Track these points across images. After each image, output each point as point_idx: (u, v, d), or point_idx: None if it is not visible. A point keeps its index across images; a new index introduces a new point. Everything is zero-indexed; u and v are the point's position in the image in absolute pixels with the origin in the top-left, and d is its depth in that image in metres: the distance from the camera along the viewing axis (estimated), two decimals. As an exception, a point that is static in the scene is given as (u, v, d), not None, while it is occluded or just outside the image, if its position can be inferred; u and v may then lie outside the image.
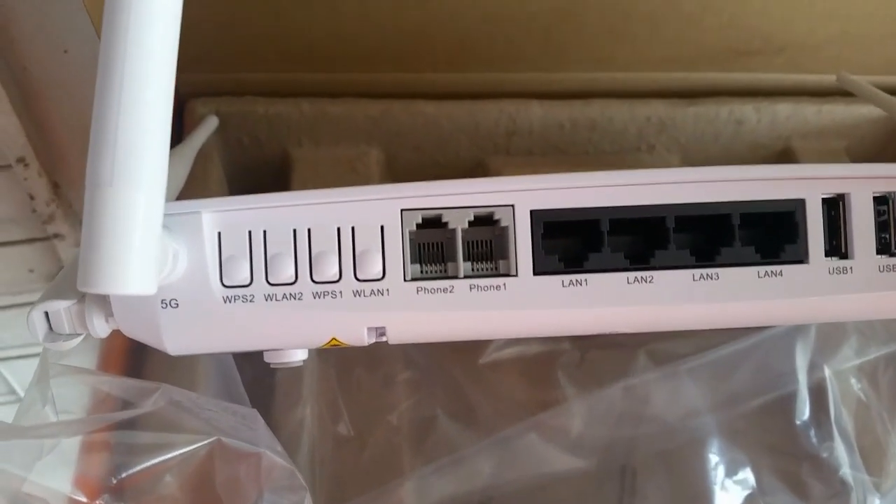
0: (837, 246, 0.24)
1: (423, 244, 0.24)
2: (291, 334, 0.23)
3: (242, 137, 0.46)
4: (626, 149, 0.49)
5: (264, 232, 0.23)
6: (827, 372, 0.40)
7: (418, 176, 0.48)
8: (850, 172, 0.24)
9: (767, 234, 0.24)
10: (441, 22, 0.44)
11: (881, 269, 0.24)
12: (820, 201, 0.24)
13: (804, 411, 0.40)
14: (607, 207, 0.24)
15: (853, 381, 0.41)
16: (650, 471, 0.41)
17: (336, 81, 0.46)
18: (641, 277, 0.24)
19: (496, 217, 0.23)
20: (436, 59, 0.46)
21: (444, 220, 0.23)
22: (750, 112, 0.48)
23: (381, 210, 0.23)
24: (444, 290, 0.23)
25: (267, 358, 0.26)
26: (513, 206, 0.24)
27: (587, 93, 0.48)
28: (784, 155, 0.49)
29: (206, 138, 0.42)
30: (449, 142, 0.47)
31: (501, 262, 0.24)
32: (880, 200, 0.24)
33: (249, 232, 0.23)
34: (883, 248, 0.24)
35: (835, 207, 0.24)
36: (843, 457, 0.39)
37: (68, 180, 0.42)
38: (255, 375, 0.40)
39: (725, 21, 0.45)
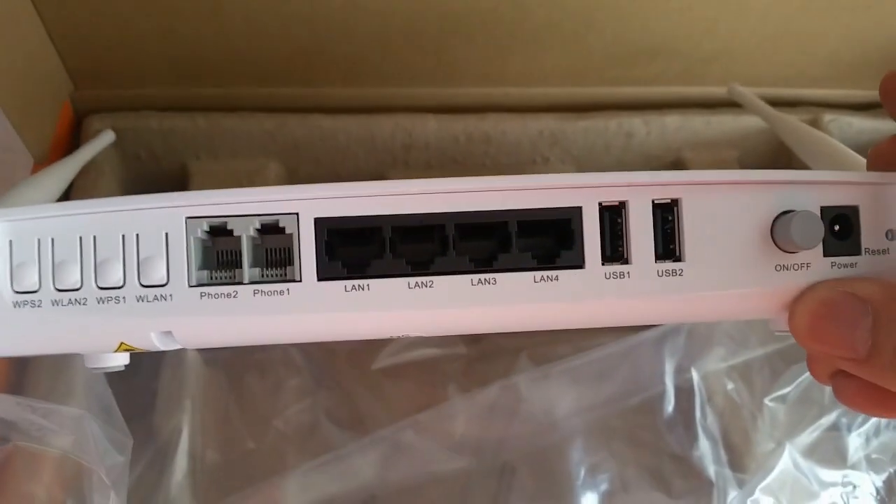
0: (620, 252, 0.24)
1: (221, 251, 0.24)
2: (79, 339, 0.24)
3: (139, 152, 0.46)
4: (523, 161, 0.49)
5: (52, 240, 0.23)
6: (694, 374, 0.40)
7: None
8: (629, 180, 0.24)
9: (546, 241, 0.24)
10: (331, 37, 0.44)
11: (660, 273, 0.24)
12: (597, 209, 0.24)
13: (670, 411, 0.40)
14: (390, 215, 0.24)
15: (726, 381, 0.41)
16: (527, 468, 0.41)
17: (231, 96, 0.47)
18: (422, 283, 0.24)
19: (281, 224, 0.24)
20: (330, 74, 0.47)
21: (230, 227, 0.24)
22: (639, 124, 0.48)
23: (165, 218, 0.23)
24: (228, 295, 0.24)
25: (87, 363, 0.26)
26: (297, 214, 0.24)
27: (481, 107, 0.48)
28: (676, 165, 0.50)
29: (98, 152, 0.42)
30: (346, 155, 0.48)
31: (288, 269, 0.24)
32: (665, 208, 0.24)
33: (38, 240, 0.23)
34: (665, 255, 0.24)
35: (618, 214, 0.24)
36: (707, 454, 0.39)
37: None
38: (141, 381, 0.40)
39: (609, 38, 0.45)
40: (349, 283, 0.24)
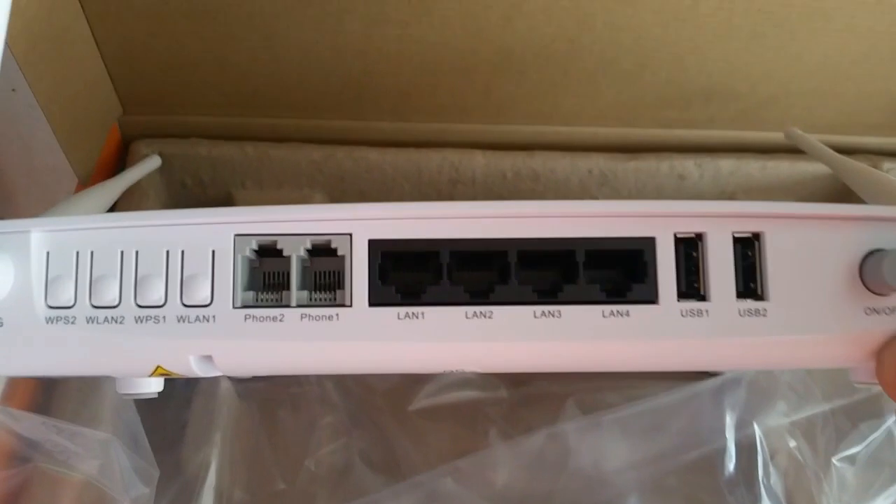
0: (696, 288, 0.22)
1: (267, 272, 0.22)
2: (114, 360, 0.22)
3: (185, 178, 0.44)
4: (570, 199, 0.47)
5: (91, 253, 0.21)
6: (756, 429, 0.37)
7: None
8: (707, 210, 0.22)
9: (616, 273, 0.22)
10: (382, 72, 0.43)
11: (742, 313, 0.21)
12: (672, 240, 0.22)
13: (731, 469, 0.37)
14: (448, 239, 0.22)
15: (788, 438, 0.37)
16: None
17: (280, 126, 0.45)
18: (480, 312, 0.21)
19: (333, 245, 0.22)
20: (379, 108, 0.45)
21: (279, 246, 0.22)
22: (691, 167, 0.46)
23: (213, 234, 0.21)
24: (274, 318, 0.21)
25: (119, 388, 0.24)
26: (350, 234, 0.22)
27: (530, 144, 0.46)
28: (729, 211, 0.47)
29: (143, 176, 0.41)
30: (392, 187, 0.46)
31: (338, 293, 0.22)
32: (745, 242, 0.22)
33: (77, 252, 0.21)
34: (746, 293, 0.22)
35: (693, 247, 0.22)
36: (770, 516, 0.36)
37: (13, 215, 0.41)
38: (172, 411, 0.38)
39: (664, 78, 0.43)
40: (403, 310, 0.22)
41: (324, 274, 0.22)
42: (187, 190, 0.45)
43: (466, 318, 0.22)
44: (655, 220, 0.22)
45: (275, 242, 0.22)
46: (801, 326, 0.22)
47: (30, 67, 0.32)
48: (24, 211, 0.42)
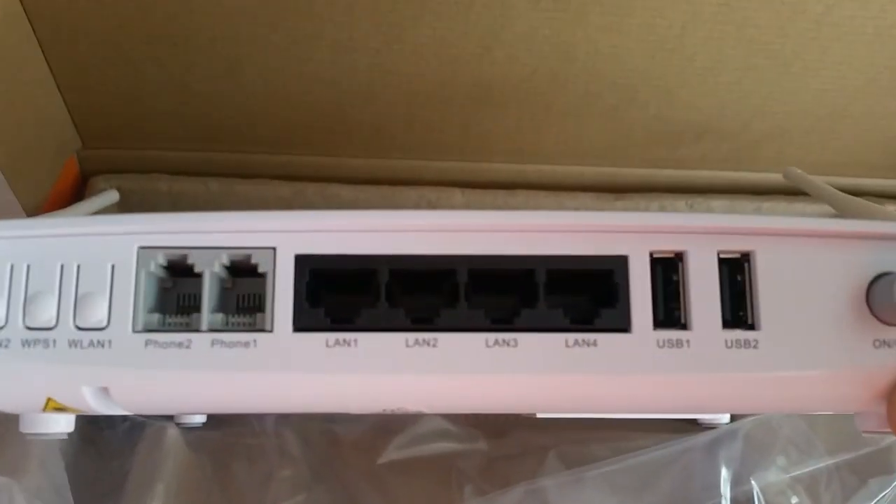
0: (676, 315, 0.18)
1: (182, 294, 0.19)
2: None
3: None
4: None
5: (-28, 266, 0.18)
6: (754, 486, 0.33)
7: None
8: (688, 225, 0.18)
9: (583, 297, 0.18)
10: (354, 104, 0.40)
11: (729, 344, 0.18)
12: (648, 259, 0.18)
13: (727, 529, 0.33)
14: (388, 256, 0.18)
15: (789, 495, 0.33)
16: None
17: (247, 161, 0.42)
18: (423, 340, 0.18)
19: (254, 261, 0.18)
20: (352, 143, 0.42)
21: (190, 261, 0.18)
22: (682, 208, 0.43)
23: (114, 246, 0.18)
24: (180, 344, 0.18)
25: (21, 426, 0.20)
26: (274, 248, 0.18)
27: (512, 183, 0.43)
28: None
29: (97, 210, 0.38)
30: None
31: (259, 316, 0.18)
32: (733, 263, 0.18)
33: (-44, 265, 0.18)
34: (734, 321, 0.18)
35: (672, 268, 0.18)
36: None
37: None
38: (115, 461, 0.34)
39: (652, 114, 0.41)
40: (332, 336, 0.18)
41: (247, 297, 0.19)
42: (147, 227, 0.42)
43: (407, 346, 0.18)
44: (629, 236, 0.18)
45: (185, 257, 0.18)
46: (798, 361, 0.18)
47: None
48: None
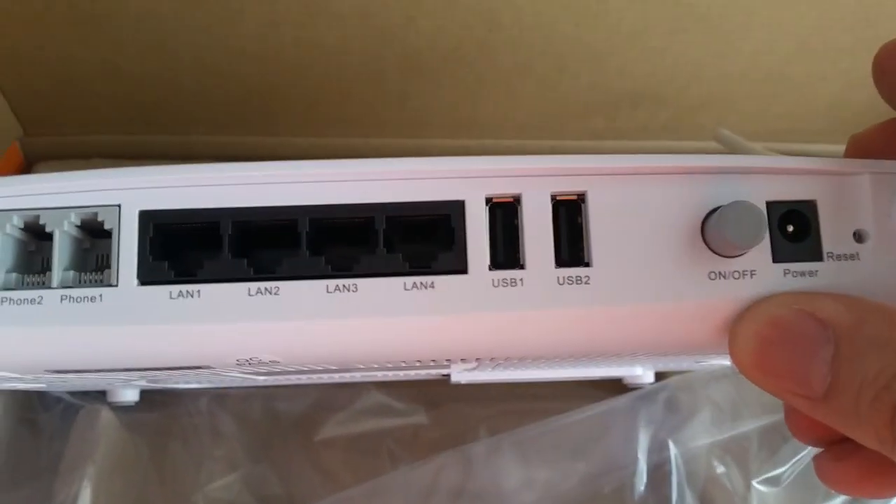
0: (515, 257, 0.19)
1: (43, 258, 0.20)
2: None
3: (87, 200, 0.42)
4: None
5: None
6: (672, 449, 0.33)
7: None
8: (522, 167, 0.19)
9: (422, 242, 0.19)
10: (285, 79, 0.41)
11: (561, 280, 0.19)
12: (483, 202, 0.19)
13: (642, 492, 0.33)
14: (229, 209, 0.19)
15: (712, 460, 0.34)
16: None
17: (185, 143, 0.43)
18: (265, 289, 0.19)
19: (101, 219, 0.19)
20: (290, 121, 0.43)
21: (42, 222, 0.19)
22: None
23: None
24: (31, 301, 0.19)
25: None
26: (119, 205, 0.19)
27: (452, 158, 0.44)
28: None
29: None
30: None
31: (107, 272, 0.19)
32: (569, 205, 0.19)
33: None
34: (570, 260, 0.19)
35: (511, 210, 0.19)
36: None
37: None
38: (50, 442, 0.35)
39: (585, 83, 0.41)
40: (176, 287, 0.19)
41: (102, 257, 0.20)
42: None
43: (249, 295, 0.19)
44: (465, 182, 0.19)
45: (37, 217, 0.19)
46: (631, 295, 0.19)
47: None
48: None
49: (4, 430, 0.34)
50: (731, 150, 0.39)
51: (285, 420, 0.39)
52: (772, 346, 0.18)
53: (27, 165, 0.43)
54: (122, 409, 0.37)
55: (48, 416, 0.36)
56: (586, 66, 0.40)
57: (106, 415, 0.36)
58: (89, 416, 0.35)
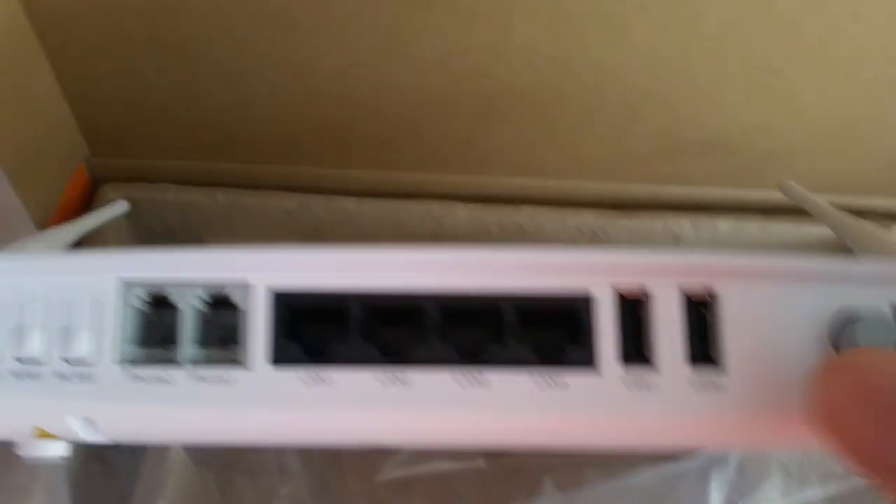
0: (640, 352, 0.19)
1: (161, 325, 0.20)
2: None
3: (154, 224, 0.43)
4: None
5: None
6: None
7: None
8: (652, 261, 0.19)
9: (548, 333, 0.19)
10: (359, 117, 0.41)
11: (694, 385, 0.19)
12: (612, 296, 0.19)
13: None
14: (360, 292, 0.19)
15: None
16: None
17: (254, 173, 0.43)
18: (396, 377, 0.19)
19: (229, 294, 0.19)
20: (359, 156, 0.43)
21: (170, 295, 0.19)
22: (687, 227, 0.43)
23: (97, 280, 0.19)
24: (162, 379, 0.19)
25: (19, 450, 0.22)
26: (250, 283, 0.19)
27: (516, 198, 0.44)
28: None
29: (106, 221, 0.39)
30: (370, 239, 0.44)
31: (235, 350, 0.19)
32: (697, 299, 0.19)
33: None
34: (699, 360, 0.19)
35: (637, 305, 0.19)
36: None
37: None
38: (121, 478, 0.36)
39: (655, 130, 0.41)
40: (308, 371, 0.19)
41: (223, 328, 0.20)
42: (155, 236, 0.43)
43: (380, 382, 0.19)
44: (593, 274, 0.19)
45: (165, 290, 0.19)
46: (765, 401, 0.19)
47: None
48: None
49: (75, 466, 0.34)
50: (795, 201, 0.39)
51: (346, 460, 0.39)
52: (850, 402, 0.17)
53: (93, 186, 0.43)
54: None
55: (118, 452, 0.36)
56: (657, 115, 0.40)
57: (175, 450, 0.36)
58: (159, 452, 0.35)
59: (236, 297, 0.19)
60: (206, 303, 0.20)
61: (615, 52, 0.36)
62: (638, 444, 0.19)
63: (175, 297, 0.19)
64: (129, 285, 0.19)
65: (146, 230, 0.42)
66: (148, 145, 0.42)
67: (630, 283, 0.19)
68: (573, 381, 0.19)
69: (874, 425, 0.15)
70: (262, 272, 0.19)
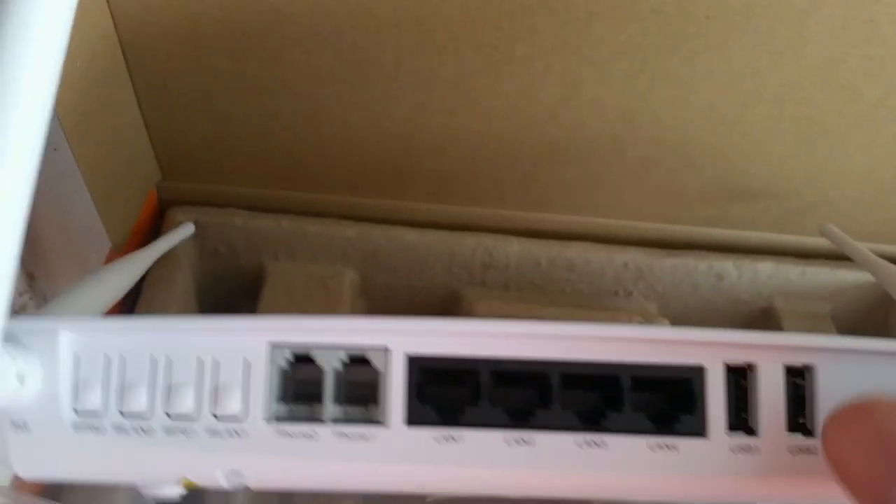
0: (744, 421, 0.21)
1: (300, 381, 0.21)
2: (140, 471, 0.21)
3: (219, 247, 0.44)
4: (604, 291, 0.46)
5: (121, 357, 0.21)
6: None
7: (391, 298, 0.46)
8: (758, 340, 0.21)
9: (663, 402, 0.21)
10: (424, 155, 0.43)
11: (792, 450, 0.20)
12: (722, 369, 0.21)
13: None
14: (489, 359, 0.21)
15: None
16: None
17: (318, 201, 0.45)
18: (522, 439, 0.20)
19: (369, 359, 0.21)
20: (418, 189, 0.45)
21: (315, 358, 0.21)
22: (730, 268, 0.45)
23: (247, 342, 0.21)
24: (307, 435, 0.20)
25: (142, 488, 0.23)
26: (388, 348, 0.21)
27: (567, 234, 0.46)
28: (766, 314, 0.46)
29: (176, 244, 0.41)
30: (424, 267, 0.45)
31: (373, 408, 0.21)
32: (795, 373, 0.21)
33: (107, 356, 0.21)
34: (796, 427, 0.21)
35: (743, 377, 0.21)
36: None
37: (45, 273, 0.41)
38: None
39: (706, 178, 0.43)
40: (441, 431, 0.21)
41: (358, 385, 0.21)
42: (220, 257, 0.45)
43: (505, 443, 0.21)
44: (705, 348, 0.21)
45: (309, 353, 0.21)
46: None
47: (73, 129, 0.32)
48: (53, 268, 0.42)
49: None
50: (836, 245, 0.41)
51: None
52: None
53: (161, 209, 0.44)
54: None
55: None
56: (711, 164, 0.42)
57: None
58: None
59: (376, 362, 0.21)
60: (345, 364, 0.21)
61: (677, 108, 0.38)
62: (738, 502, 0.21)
63: (320, 359, 0.21)
64: (276, 347, 0.21)
65: (211, 251, 0.44)
66: (218, 172, 0.44)
67: (738, 358, 0.21)
68: (684, 445, 0.20)
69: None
70: (401, 338, 0.21)
